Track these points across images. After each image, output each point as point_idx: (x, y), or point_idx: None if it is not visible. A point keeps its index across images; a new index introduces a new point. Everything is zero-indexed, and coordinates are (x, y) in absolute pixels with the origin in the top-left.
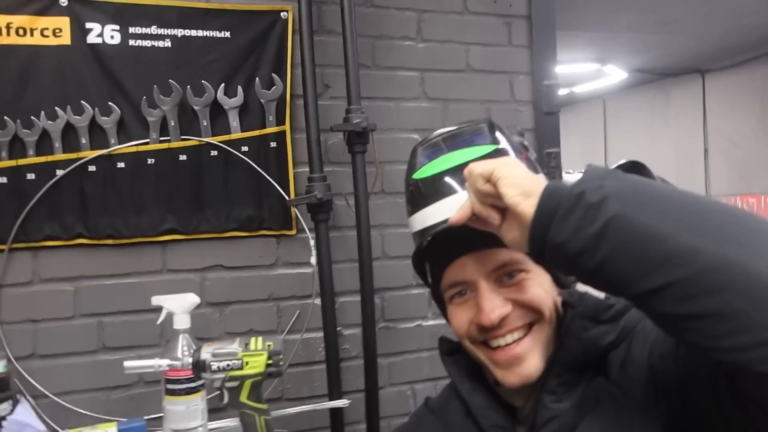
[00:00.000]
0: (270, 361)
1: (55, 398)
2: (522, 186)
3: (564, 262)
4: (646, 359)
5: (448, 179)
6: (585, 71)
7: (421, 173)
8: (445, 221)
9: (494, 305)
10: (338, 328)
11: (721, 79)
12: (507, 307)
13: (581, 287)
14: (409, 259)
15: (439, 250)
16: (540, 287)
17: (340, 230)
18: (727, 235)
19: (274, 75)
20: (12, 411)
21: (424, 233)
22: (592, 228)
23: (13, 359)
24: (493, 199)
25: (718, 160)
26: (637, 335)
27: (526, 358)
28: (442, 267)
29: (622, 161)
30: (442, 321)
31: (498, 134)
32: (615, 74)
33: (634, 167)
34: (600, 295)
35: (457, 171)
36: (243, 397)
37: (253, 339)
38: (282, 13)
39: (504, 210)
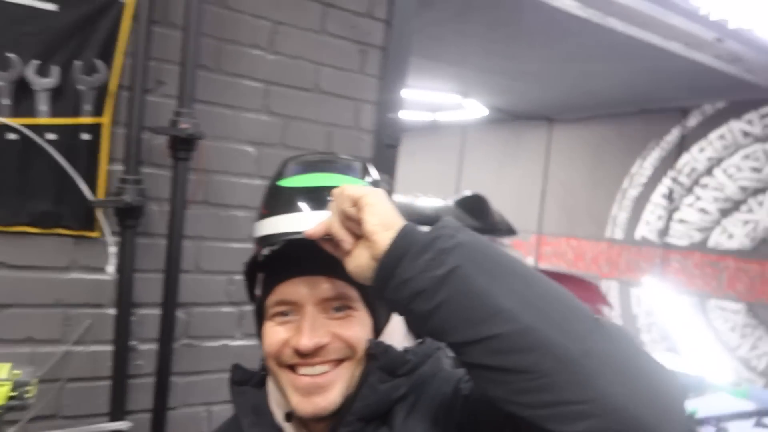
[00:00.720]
0: (14, 394)
1: None
2: (384, 218)
3: (402, 299)
4: (431, 412)
5: (313, 195)
6: (448, 101)
7: (288, 182)
8: (299, 232)
9: (315, 333)
10: (133, 343)
11: (564, 130)
12: (326, 338)
13: (388, 339)
14: (224, 275)
15: (278, 264)
16: (361, 329)
17: (152, 237)
18: (551, 308)
19: (98, 61)
20: None
21: (272, 238)
22: (438, 271)
23: None
24: (352, 224)
25: (552, 203)
26: (426, 388)
27: (327, 390)
28: (276, 282)
29: (467, 192)
30: (250, 342)
31: (369, 176)
32: (475, 109)
33: (476, 200)
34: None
35: (324, 191)
36: None
37: None
38: None
39: (357, 238)
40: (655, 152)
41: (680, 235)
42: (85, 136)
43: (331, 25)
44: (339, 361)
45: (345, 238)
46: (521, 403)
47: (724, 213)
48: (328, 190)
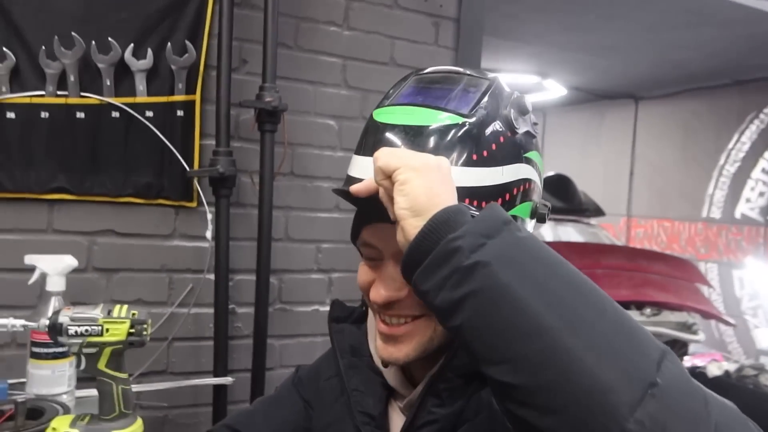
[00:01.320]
0: (132, 330)
1: None
2: (416, 200)
3: (426, 305)
4: None
5: (397, 135)
6: (526, 83)
7: (380, 114)
8: (357, 181)
9: (389, 286)
10: (231, 306)
11: (652, 108)
12: (402, 291)
13: None
14: (312, 243)
15: (364, 205)
16: None
17: (244, 207)
18: (589, 356)
19: (187, 42)
20: None
21: (346, 181)
22: (453, 294)
23: None
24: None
25: (641, 183)
26: None
27: (401, 341)
28: (360, 225)
29: (551, 173)
30: None
31: (483, 105)
32: (555, 89)
33: (561, 180)
34: None
35: (409, 131)
36: (101, 365)
37: (117, 306)
38: None
39: None
40: (753, 125)
41: None
42: (180, 113)
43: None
44: (416, 317)
45: (389, 206)
46: None
47: None
48: (414, 129)
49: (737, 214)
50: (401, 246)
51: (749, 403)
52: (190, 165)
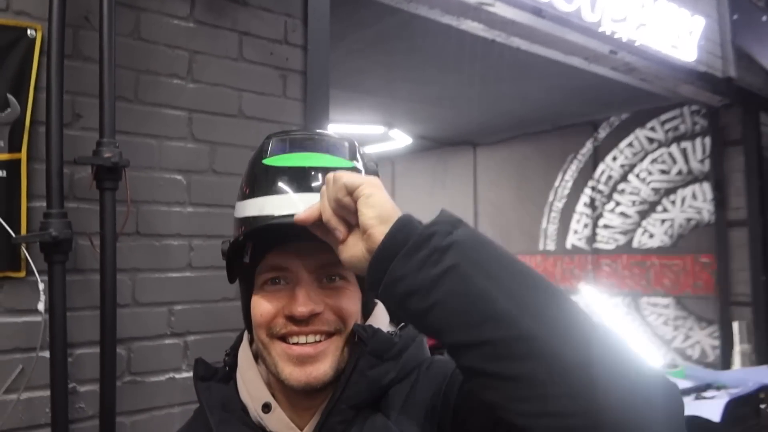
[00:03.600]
0: None
1: None
2: (382, 210)
3: (397, 297)
4: (430, 401)
5: (300, 176)
6: (374, 133)
7: (275, 161)
8: (287, 216)
9: (310, 299)
10: (72, 385)
11: (488, 153)
12: (320, 306)
13: (374, 324)
14: (163, 306)
15: (268, 232)
16: (353, 303)
17: (83, 273)
18: (550, 314)
19: (9, 96)
20: None
21: (257, 221)
22: (433, 271)
23: None
24: (346, 213)
25: (485, 222)
26: (422, 377)
27: (320, 360)
28: (267, 249)
29: None
30: None
31: (358, 156)
32: (401, 139)
33: None
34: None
35: (312, 172)
36: None
37: None
38: (29, 31)
39: (350, 227)
40: (573, 165)
41: (607, 240)
42: (2, 174)
43: (248, 53)
44: (330, 334)
45: (338, 226)
46: (513, 410)
47: (643, 215)
48: (315, 171)
49: (568, 245)
50: (368, 250)
51: None
52: (17, 230)
